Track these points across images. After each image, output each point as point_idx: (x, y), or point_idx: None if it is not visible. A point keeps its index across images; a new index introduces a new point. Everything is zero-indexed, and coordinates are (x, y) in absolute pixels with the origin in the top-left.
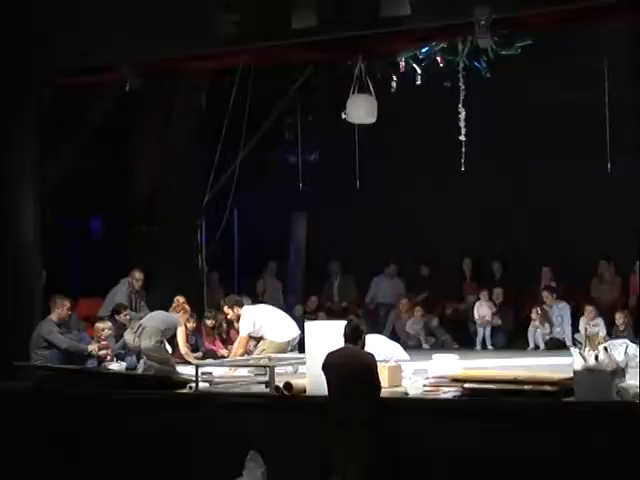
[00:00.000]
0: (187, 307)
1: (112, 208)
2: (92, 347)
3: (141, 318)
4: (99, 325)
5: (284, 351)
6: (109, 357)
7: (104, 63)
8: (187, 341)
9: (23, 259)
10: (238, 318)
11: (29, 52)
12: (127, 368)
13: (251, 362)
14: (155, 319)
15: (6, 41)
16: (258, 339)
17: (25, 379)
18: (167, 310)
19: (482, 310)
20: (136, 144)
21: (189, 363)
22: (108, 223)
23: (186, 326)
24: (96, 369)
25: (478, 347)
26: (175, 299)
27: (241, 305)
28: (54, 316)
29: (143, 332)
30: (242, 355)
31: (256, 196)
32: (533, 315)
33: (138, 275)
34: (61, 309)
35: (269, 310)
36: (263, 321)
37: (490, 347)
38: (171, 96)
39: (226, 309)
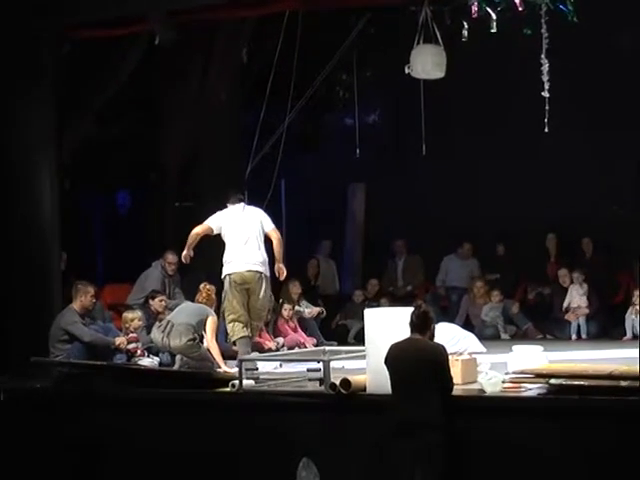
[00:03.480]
0: (213, 296)
1: (141, 181)
2: (120, 340)
3: (174, 308)
4: (128, 315)
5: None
6: (139, 351)
7: (130, 13)
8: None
9: (40, 240)
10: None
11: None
12: (160, 364)
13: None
14: (185, 313)
15: None
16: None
17: (44, 377)
18: (192, 300)
19: (575, 296)
20: (168, 107)
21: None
22: (136, 198)
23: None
24: (125, 365)
25: (573, 336)
26: (200, 286)
27: None
28: (76, 305)
29: (172, 330)
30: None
31: (306, 165)
32: (634, 300)
33: (171, 258)
34: (84, 297)
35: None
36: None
37: (584, 336)
38: (208, 51)
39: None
